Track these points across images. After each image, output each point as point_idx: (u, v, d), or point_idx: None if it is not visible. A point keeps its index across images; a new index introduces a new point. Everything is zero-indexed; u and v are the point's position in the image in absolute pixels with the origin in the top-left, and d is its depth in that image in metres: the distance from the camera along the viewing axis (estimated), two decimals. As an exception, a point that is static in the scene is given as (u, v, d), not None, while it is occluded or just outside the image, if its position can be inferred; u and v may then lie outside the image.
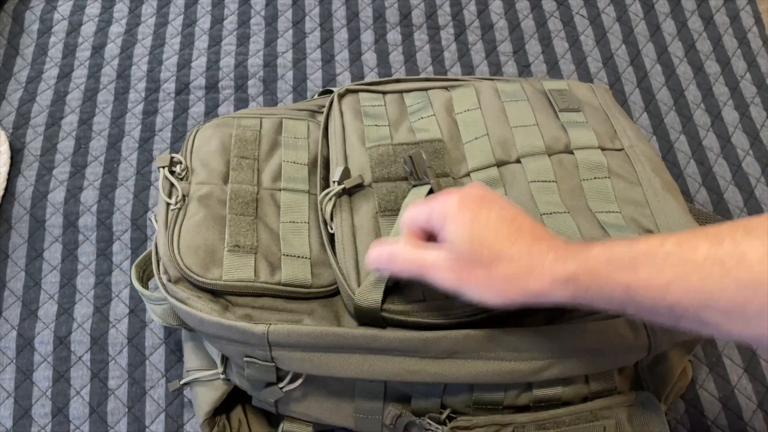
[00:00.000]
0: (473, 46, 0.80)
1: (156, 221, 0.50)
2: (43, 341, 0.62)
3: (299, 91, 0.76)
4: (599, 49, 0.81)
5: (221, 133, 0.54)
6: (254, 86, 0.76)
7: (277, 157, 0.54)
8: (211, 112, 0.74)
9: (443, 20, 0.82)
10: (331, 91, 0.60)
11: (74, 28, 0.80)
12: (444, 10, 0.83)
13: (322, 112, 0.58)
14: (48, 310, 0.63)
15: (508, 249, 0.37)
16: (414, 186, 0.47)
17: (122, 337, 0.62)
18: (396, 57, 0.79)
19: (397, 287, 0.44)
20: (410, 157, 0.47)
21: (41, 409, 0.59)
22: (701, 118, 0.76)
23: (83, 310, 0.64)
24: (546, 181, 0.49)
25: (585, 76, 0.78)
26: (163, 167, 0.51)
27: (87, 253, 0.66)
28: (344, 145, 0.52)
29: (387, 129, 0.53)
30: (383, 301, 0.43)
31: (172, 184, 0.50)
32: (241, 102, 0.75)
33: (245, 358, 0.45)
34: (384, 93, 0.57)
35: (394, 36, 0.81)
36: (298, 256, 0.48)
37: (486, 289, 0.37)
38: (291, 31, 0.81)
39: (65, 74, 0.76)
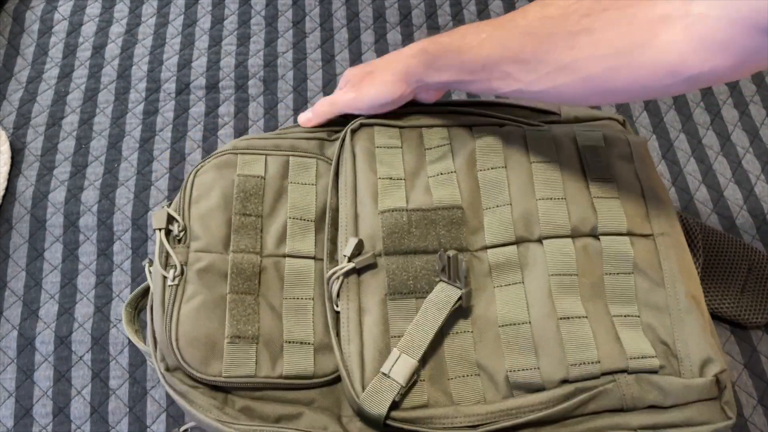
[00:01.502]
0: (473, 45, 0.81)
1: (150, 274, 0.48)
2: (44, 341, 0.62)
3: (299, 91, 0.76)
4: (599, 49, 0.81)
5: (222, 181, 0.51)
6: (254, 86, 0.76)
7: (282, 213, 0.50)
8: (211, 112, 0.74)
9: (443, 20, 0.82)
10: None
11: (75, 28, 0.80)
12: (444, 10, 0.83)
13: (332, 141, 0.55)
14: (49, 309, 0.63)
15: (386, 56, 0.51)
16: (441, 281, 0.45)
17: (123, 337, 0.62)
18: (396, 56, 0.79)
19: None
20: (449, 257, 0.45)
21: (42, 409, 0.59)
22: (701, 116, 0.76)
23: (84, 309, 0.63)
24: (567, 275, 0.46)
25: (585, 75, 0.78)
26: (160, 230, 0.48)
27: (88, 252, 0.66)
28: (355, 203, 0.49)
29: (402, 185, 0.50)
30: (394, 409, 0.42)
31: (168, 253, 0.48)
32: (242, 102, 0.75)
33: None
34: (401, 128, 0.53)
35: (394, 36, 0.81)
36: (301, 343, 0.46)
37: (375, 84, 0.50)
38: (291, 31, 0.81)
39: (66, 74, 0.77)
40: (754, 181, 0.72)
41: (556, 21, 0.39)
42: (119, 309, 0.63)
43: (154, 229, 0.49)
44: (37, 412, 0.59)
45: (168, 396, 0.60)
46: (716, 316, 0.62)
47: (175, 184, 0.70)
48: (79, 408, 0.59)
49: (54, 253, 0.66)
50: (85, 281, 0.65)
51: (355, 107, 0.51)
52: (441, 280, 0.45)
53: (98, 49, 0.78)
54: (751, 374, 0.61)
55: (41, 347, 0.62)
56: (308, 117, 0.54)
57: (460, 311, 0.46)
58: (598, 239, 0.48)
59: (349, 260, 0.46)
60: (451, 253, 0.45)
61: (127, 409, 0.59)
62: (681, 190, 0.71)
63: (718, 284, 0.61)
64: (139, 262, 0.66)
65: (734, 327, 0.63)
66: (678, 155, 0.73)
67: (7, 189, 0.69)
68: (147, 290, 0.51)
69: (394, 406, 0.42)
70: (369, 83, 0.50)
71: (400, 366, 0.42)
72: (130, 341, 0.62)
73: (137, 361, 0.61)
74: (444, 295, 0.44)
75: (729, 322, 0.63)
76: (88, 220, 0.68)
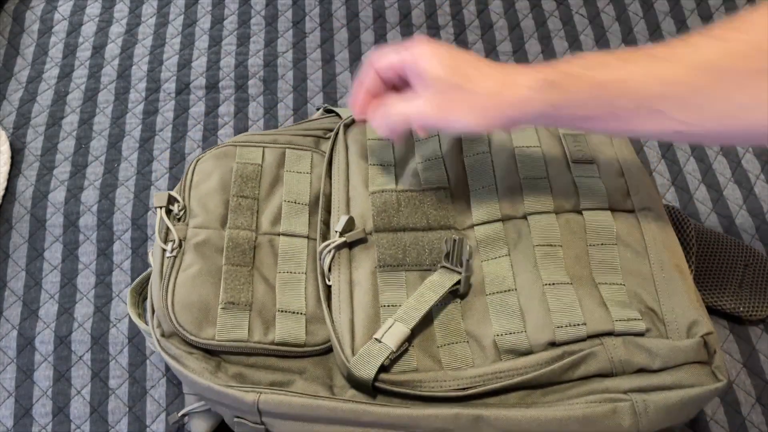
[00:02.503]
0: (473, 46, 0.81)
1: (152, 260, 0.50)
2: (44, 341, 0.62)
3: (299, 91, 0.76)
4: (599, 49, 0.81)
5: (221, 168, 0.53)
6: (254, 86, 0.76)
7: (278, 196, 0.53)
8: (211, 112, 0.75)
9: (443, 20, 0.82)
10: (334, 112, 0.59)
11: (75, 28, 0.80)
12: (444, 10, 0.83)
13: (327, 138, 0.57)
14: (48, 309, 0.63)
15: (484, 69, 0.40)
16: (443, 267, 0.46)
17: (123, 337, 0.62)
18: (396, 56, 0.79)
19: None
20: (455, 241, 0.46)
21: (42, 409, 0.59)
22: (701, 116, 0.76)
23: (84, 309, 0.64)
24: (551, 246, 0.47)
25: (584, 75, 0.78)
26: (160, 207, 0.50)
27: (87, 252, 0.66)
28: (347, 187, 0.51)
29: (392, 171, 0.52)
30: (383, 372, 0.43)
31: (168, 228, 0.49)
32: (242, 102, 0.75)
33: (235, 419, 0.46)
34: None
35: (394, 36, 0.81)
36: (294, 312, 0.47)
37: (467, 110, 0.39)
38: (291, 31, 0.81)
39: (66, 74, 0.77)
40: (754, 181, 0.72)
41: (737, 58, 0.35)
42: (119, 309, 0.64)
43: (155, 207, 0.50)
44: (37, 412, 0.59)
45: (168, 395, 0.60)
46: (715, 312, 0.62)
47: (175, 183, 0.70)
48: (79, 408, 0.59)
49: (54, 253, 0.66)
50: (85, 281, 0.65)
51: (433, 129, 0.43)
52: (443, 266, 0.46)
53: (98, 49, 0.78)
54: (750, 373, 0.61)
55: (41, 347, 0.62)
56: (379, 126, 0.45)
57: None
58: (581, 214, 0.49)
59: (341, 235, 0.47)
60: (456, 237, 0.47)
61: (127, 409, 0.59)
62: (680, 190, 0.71)
63: (715, 279, 0.61)
64: (139, 262, 0.66)
65: (733, 324, 0.63)
66: (678, 154, 0.73)
67: (7, 189, 0.69)
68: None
69: (384, 370, 0.43)
70: (459, 105, 0.40)
71: (393, 332, 0.43)
72: (129, 341, 0.62)
73: (137, 361, 0.61)
74: (445, 278, 0.46)
75: (728, 317, 0.63)
76: (88, 220, 0.68)
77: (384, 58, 0.43)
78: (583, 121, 0.40)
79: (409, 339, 0.44)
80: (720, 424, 0.59)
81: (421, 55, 0.40)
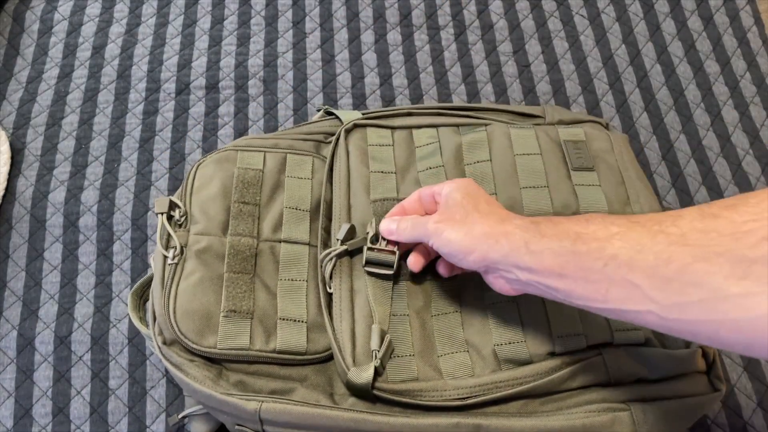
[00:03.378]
0: (473, 46, 0.80)
1: (153, 266, 0.50)
2: (44, 341, 0.62)
3: (299, 91, 0.76)
4: (599, 49, 0.81)
5: (223, 173, 0.53)
6: (254, 86, 0.76)
7: (279, 203, 0.52)
8: (211, 112, 0.74)
9: (443, 20, 0.82)
10: (334, 114, 0.59)
11: (75, 29, 0.80)
12: (444, 10, 0.83)
13: (328, 143, 0.57)
14: (48, 309, 0.63)
15: (495, 206, 0.42)
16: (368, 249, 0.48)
17: (123, 337, 0.62)
18: (396, 57, 0.79)
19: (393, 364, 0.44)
20: (351, 226, 0.48)
21: (42, 409, 0.59)
22: (701, 117, 0.76)
23: (84, 309, 0.64)
24: None
25: (585, 75, 0.78)
26: (161, 214, 0.50)
27: (87, 253, 0.66)
28: (348, 194, 0.51)
29: (393, 178, 0.52)
30: (379, 375, 0.43)
31: (169, 234, 0.49)
32: (242, 102, 0.75)
33: (237, 427, 0.46)
34: (393, 129, 0.55)
35: (394, 36, 0.81)
36: (295, 320, 0.47)
37: (459, 225, 0.41)
38: (291, 32, 0.81)
39: (66, 74, 0.77)
40: (754, 183, 0.72)
41: (725, 238, 0.30)
42: (119, 309, 0.64)
43: (156, 213, 0.50)
44: (37, 412, 0.59)
45: (168, 396, 0.60)
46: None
47: (175, 184, 0.70)
48: (79, 408, 0.59)
49: (54, 253, 0.66)
50: (85, 281, 0.65)
51: (430, 241, 0.43)
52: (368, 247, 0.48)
53: (98, 49, 0.78)
54: (751, 377, 0.61)
55: (41, 347, 0.62)
56: (391, 230, 0.46)
57: (450, 295, 0.48)
58: None
59: (342, 243, 0.47)
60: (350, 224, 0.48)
61: (127, 409, 0.59)
62: (681, 192, 0.71)
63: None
64: (139, 262, 0.66)
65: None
66: (678, 156, 0.73)
67: (7, 189, 0.69)
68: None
69: (380, 374, 0.43)
70: (453, 225, 0.41)
71: (374, 334, 0.44)
72: (129, 341, 0.62)
73: (137, 361, 0.61)
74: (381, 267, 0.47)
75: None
76: (87, 220, 0.68)
77: (426, 189, 0.47)
78: (555, 279, 0.36)
79: (384, 334, 0.44)
80: (721, 427, 0.59)
81: (451, 184, 0.44)
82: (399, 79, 0.77)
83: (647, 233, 0.32)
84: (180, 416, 0.53)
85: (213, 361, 0.46)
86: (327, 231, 0.51)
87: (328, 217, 0.52)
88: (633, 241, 0.32)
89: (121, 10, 0.81)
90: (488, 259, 0.39)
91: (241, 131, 0.74)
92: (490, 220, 0.40)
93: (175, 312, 0.46)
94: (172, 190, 0.70)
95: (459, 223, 0.41)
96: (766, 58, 0.80)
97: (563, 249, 0.35)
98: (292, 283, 0.49)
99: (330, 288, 0.47)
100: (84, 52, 0.78)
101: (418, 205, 0.47)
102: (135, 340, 0.62)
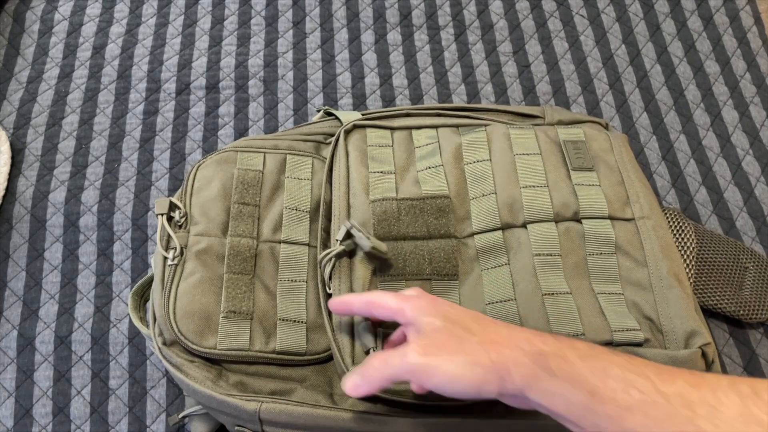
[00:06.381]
0: (473, 46, 0.81)
1: (153, 267, 0.50)
2: (44, 341, 0.62)
3: (299, 91, 0.76)
4: (599, 49, 0.81)
5: (222, 174, 0.53)
6: (254, 86, 0.76)
7: (278, 203, 0.53)
8: (211, 112, 0.75)
9: (443, 20, 0.82)
10: (334, 115, 0.59)
11: (75, 29, 0.80)
12: (444, 10, 0.83)
13: (328, 144, 0.57)
14: (49, 309, 0.64)
15: (484, 326, 0.36)
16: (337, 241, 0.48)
17: (123, 337, 0.62)
18: (396, 57, 0.79)
19: None
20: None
21: (42, 409, 0.59)
22: (701, 117, 0.76)
23: (84, 309, 0.64)
24: (550, 255, 0.47)
25: (585, 75, 0.78)
26: (162, 215, 0.50)
27: (88, 252, 0.66)
28: (348, 194, 0.51)
29: (393, 178, 0.52)
30: None
31: (169, 235, 0.50)
32: (242, 102, 0.75)
33: (236, 427, 0.46)
34: (392, 130, 0.55)
35: (394, 36, 0.81)
36: (294, 321, 0.48)
37: (452, 356, 0.35)
38: (291, 32, 0.81)
39: (66, 74, 0.77)
40: (754, 183, 0.72)
41: None
42: (119, 309, 0.64)
43: (157, 215, 0.50)
44: (37, 412, 0.59)
45: (168, 396, 0.60)
46: (715, 316, 0.62)
47: (175, 184, 0.70)
48: (79, 408, 0.59)
49: (54, 253, 0.66)
50: (85, 281, 0.65)
51: (419, 379, 0.36)
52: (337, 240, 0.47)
53: (98, 49, 0.78)
54: (750, 377, 0.61)
55: (41, 347, 0.62)
56: (356, 383, 0.37)
57: (449, 295, 0.47)
58: (581, 223, 0.50)
59: (341, 243, 0.47)
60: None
61: (127, 409, 0.59)
62: (681, 192, 0.71)
63: (715, 281, 0.61)
64: (140, 262, 0.66)
65: (733, 328, 0.63)
66: (678, 156, 0.73)
67: (7, 189, 0.69)
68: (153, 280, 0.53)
69: None
70: (449, 356, 0.35)
71: (367, 332, 0.44)
72: (130, 341, 0.62)
73: (137, 361, 0.61)
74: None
75: (728, 321, 0.63)
76: (88, 220, 0.68)
77: (383, 299, 0.40)
78: (562, 419, 0.34)
79: (373, 328, 0.44)
80: (719, 426, 0.59)
81: (420, 309, 0.38)
82: (399, 80, 0.77)
83: (675, 417, 0.29)
84: (180, 416, 0.53)
85: (213, 361, 0.46)
86: (327, 231, 0.51)
87: (328, 218, 0.52)
88: (656, 421, 0.29)
89: (121, 10, 0.81)
90: (504, 390, 0.34)
91: (241, 131, 0.74)
92: (489, 348, 0.35)
93: (175, 313, 0.46)
94: (172, 190, 0.70)
95: (457, 353, 0.35)
96: (766, 58, 0.80)
97: (577, 401, 0.32)
98: (291, 283, 0.49)
99: (329, 288, 0.47)
100: (84, 52, 0.78)
101: (369, 315, 0.42)
102: (135, 340, 0.62)
